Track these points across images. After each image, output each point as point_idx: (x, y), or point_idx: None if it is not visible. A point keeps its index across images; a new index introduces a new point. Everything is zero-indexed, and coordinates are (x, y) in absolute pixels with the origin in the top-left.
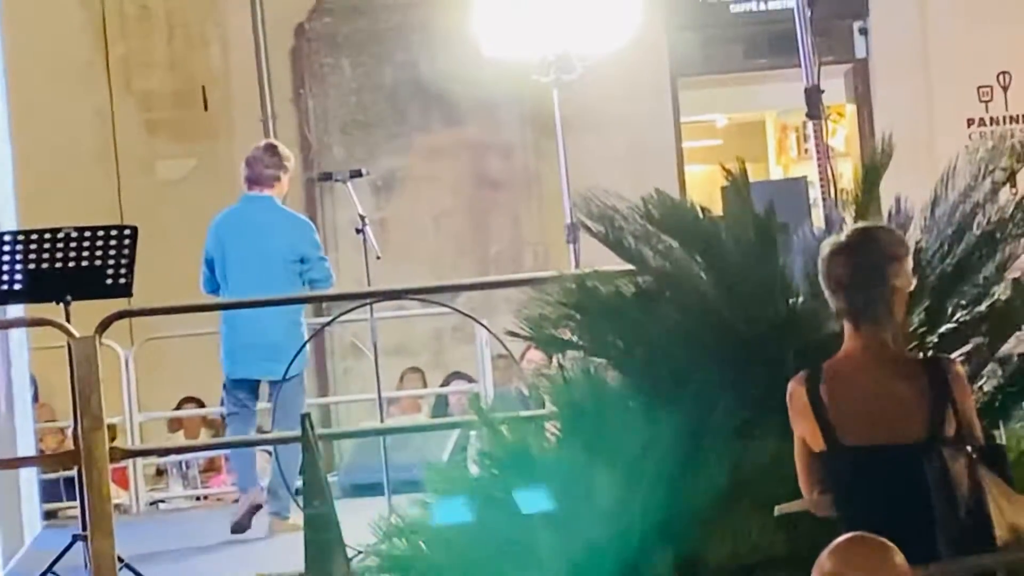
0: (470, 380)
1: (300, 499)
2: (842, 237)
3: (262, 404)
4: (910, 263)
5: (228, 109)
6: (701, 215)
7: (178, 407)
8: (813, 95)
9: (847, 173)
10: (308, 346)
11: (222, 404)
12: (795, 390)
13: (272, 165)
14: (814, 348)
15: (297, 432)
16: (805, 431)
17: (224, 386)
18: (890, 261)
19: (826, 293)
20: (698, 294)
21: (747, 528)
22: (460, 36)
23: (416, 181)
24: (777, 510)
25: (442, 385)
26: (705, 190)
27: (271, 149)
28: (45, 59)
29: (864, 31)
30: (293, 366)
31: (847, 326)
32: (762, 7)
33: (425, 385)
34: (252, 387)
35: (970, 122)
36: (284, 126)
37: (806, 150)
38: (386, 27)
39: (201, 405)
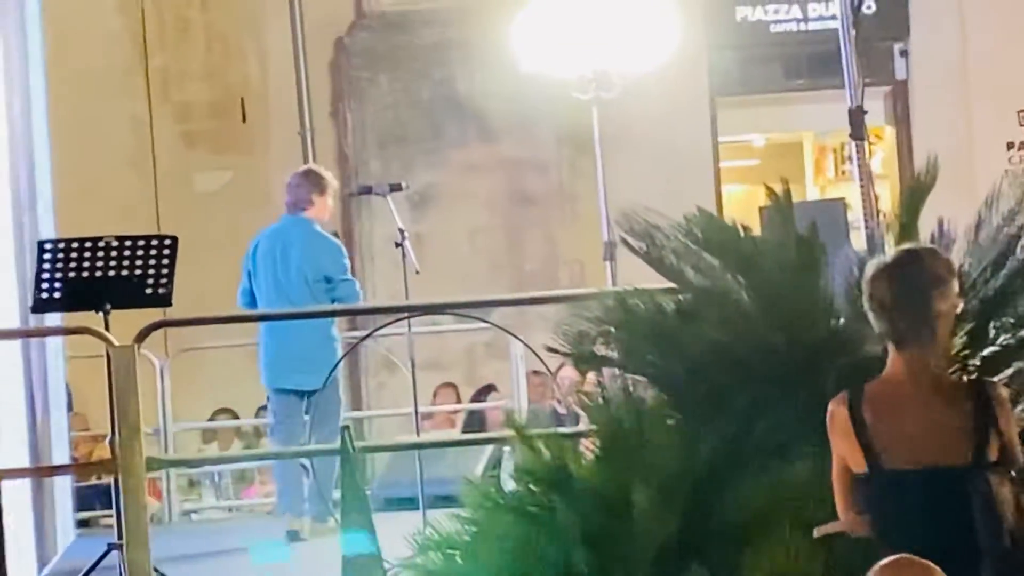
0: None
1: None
2: (887, 258)
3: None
4: (956, 286)
5: (266, 122)
6: (743, 234)
7: (212, 418)
8: (856, 116)
9: (884, 195)
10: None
11: (257, 415)
12: (836, 411)
13: (304, 188)
14: (855, 369)
15: (333, 444)
16: (846, 452)
17: (267, 398)
18: (936, 283)
19: (869, 315)
20: (739, 313)
21: (785, 548)
22: (498, 53)
23: (452, 197)
24: (816, 531)
25: (474, 398)
26: (742, 210)
27: (306, 173)
28: (84, 68)
29: (904, 53)
30: (327, 378)
31: (890, 348)
32: (802, 27)
33: (459, 400)
34: (292, 398)
35: (1010, 145)
36: (322, 140)
37: (844, 171)
38: (425, 43)
39: (235, 416)
